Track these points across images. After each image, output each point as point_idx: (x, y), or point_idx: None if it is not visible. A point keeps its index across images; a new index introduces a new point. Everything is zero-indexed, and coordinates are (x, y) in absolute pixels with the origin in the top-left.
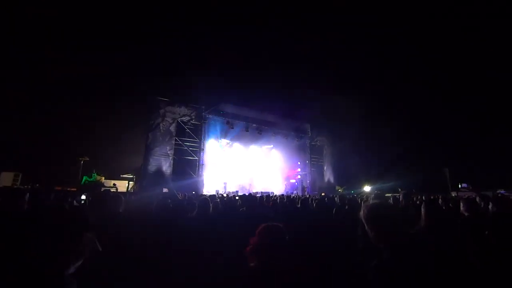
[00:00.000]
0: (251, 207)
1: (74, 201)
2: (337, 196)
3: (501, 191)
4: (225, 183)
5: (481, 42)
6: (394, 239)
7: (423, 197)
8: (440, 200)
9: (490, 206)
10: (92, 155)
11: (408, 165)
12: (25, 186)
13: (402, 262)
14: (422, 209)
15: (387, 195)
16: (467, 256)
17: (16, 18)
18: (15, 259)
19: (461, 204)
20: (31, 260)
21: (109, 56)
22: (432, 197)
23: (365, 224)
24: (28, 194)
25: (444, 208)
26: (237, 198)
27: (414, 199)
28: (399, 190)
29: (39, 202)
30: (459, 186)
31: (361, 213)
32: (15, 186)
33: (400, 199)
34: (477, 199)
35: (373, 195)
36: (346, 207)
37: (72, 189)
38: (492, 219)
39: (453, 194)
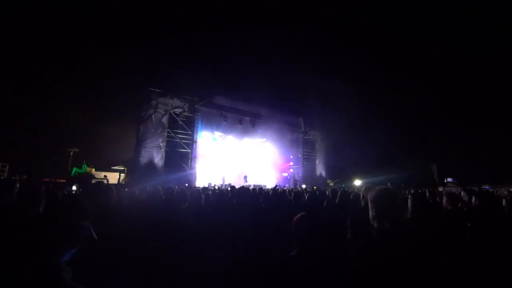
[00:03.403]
0: (242, 200)
1: (65, 192)
2: (329, 190)
3: (486, 187)
4: (223, 177)
5: (474, 42)
6: (390, 221)
7: (411, 191)
8: (427, 194)
9: (473, 200)
10: (82, 146)
11: (398, 161)
12: (13, 177)
13: (389, 244)
14: (409, 201)
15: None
16: (447, 245)
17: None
18: (9, 247)
19: (444, 197)
20: (25, 247)
21: (101, 47)
22: (419, 191)
23: (369, 203)
24: (18, 185)
25: (429, 201)
26: (229, 189)
27: (403, 192)
28: (388, 184)
29: (30, 193)
30: (445, 181)
31: (369, 194)
32: (2, 177)
33: None
34: (462, 193)
35: (363, 188)
36: (337, 200)
37: (62, 181)
38: (474, 212)
39: (440, 189)
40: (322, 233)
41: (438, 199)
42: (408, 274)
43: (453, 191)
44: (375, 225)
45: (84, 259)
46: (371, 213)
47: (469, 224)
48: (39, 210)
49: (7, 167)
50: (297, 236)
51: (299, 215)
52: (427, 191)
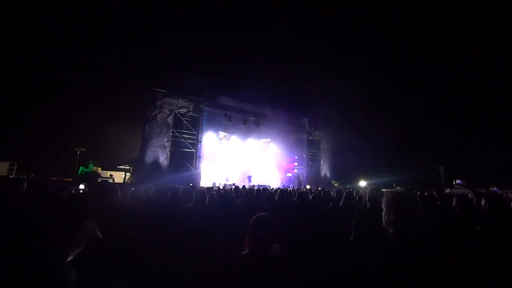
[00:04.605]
0: (247, 200)
1: (73, 191)
2: (334, 191)
3: (494, 189)
4: (226, 177)
5: (479, 43)
6: (406, 225)
7: (418, 193)
8: (434, 196)
9: (482, 203)
10: (89, 145)
11: (404, 162)
12: (21, 176)
13: (407, 249)
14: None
15: (382, 190)
16: (456, 248)
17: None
18: (13, 247)
19: (454, 200)
20: (29, 248)
21: (107, 48)
22: (426, 193)
23: (385, 207)
24: (25, 184)
25: (438, 203)
26: (233, 188)
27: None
28: (394, 185)
29: (37, 192)
30: (454, 182)
31: (385, 197)
32: (10, 176)
33: None
34: (470, 195)
35: (368, 190)
36: (341, 202)
37: (68, 180)
38: (483, 215)
39: (447, 190)
40: (271, 234)
41: (446, 201)
42: (422, 278)
43: (460, 192)
44: (391, 230)
45: (89, 259)
46: (386, 217)
47: (478, 227)
48: (44, 210)
49: (16, 165)
50: (250, 236)
51: (257, 215)
52: (434, 193)
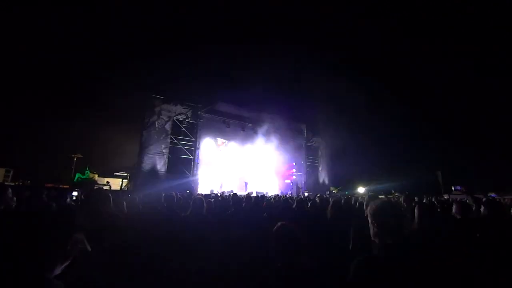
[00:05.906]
0: (244, 207)
1: (68, 199)
2: (331, 198)
3: (492, 195)
4: (221, 183)
5: (480, 45)
6: (393, 237)
7: (416, 199)
8: (435, 202)
9: (482, 209)
10: (86, 152)
11: (402, 168)
12: (16, 183)
13: (393, 260)
14: (416, 211)
15: (380, 196)
16: (456, 255)
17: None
18: None
19: (454, 206)
20: (14, 260)
21: (105, 53)
22: (425, 199)
23: (369, 219)
24: (10, 190)
25: (438, 210)
26: (231, 194)
27: (411, 199)
28: (392, 192)
29: (26, 200)
30: (453, 188)
31: (368, 208)
32: (5, 183)
33: (402, 201)
34: (469, 201)
35: (366, 197)
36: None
37: (65, 186)
38: (483, 221)
39: (446, 196)
40: (300, 246)
41: (445, 206)
42: None
43: (458, 199)
44: (377, 241)
45: (77, 272)
46: (372, 229)
47: (478, 235)
48: (31, 221)
49: (11, 172)
50: (278, 249)
51: (278, 225)
52: (434, 199)
